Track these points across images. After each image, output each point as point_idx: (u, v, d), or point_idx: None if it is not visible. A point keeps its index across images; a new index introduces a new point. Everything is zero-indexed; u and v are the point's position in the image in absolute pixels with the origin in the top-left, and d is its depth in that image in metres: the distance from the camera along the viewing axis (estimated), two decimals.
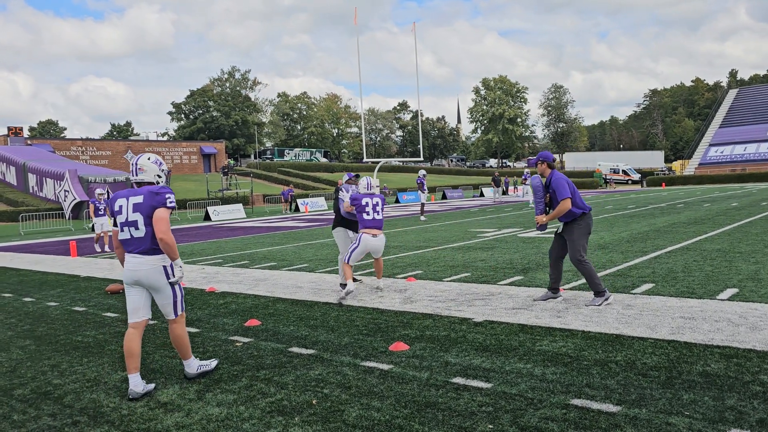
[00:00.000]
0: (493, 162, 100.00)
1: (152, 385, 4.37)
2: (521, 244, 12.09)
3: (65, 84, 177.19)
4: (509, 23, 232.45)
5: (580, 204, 6.39)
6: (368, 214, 7.48)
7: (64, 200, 37.83)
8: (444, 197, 45.02)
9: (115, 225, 4.43)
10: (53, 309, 7.92)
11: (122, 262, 4.49)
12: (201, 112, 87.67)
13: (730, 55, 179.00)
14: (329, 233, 16.46)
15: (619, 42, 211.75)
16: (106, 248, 16.23)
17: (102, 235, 16.35)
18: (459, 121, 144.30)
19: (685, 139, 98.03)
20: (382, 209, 7.62)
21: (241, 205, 35.61)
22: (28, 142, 58.07)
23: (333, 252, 12.24)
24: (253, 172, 60.25)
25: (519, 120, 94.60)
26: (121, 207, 4.35)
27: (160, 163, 4.53)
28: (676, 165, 68.12)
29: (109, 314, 7.35)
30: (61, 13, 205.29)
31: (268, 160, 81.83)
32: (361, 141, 70.97)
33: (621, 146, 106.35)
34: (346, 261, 7.46)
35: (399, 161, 78.68)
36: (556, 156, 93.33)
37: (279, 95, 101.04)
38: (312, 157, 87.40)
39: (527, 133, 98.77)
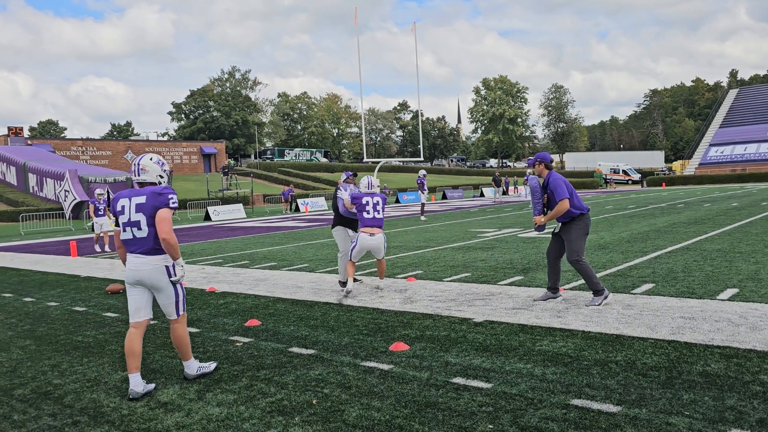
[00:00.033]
0: (493, 162, 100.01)
1: (152, 385, 4.37)
2: (521, 244, 12.09)
3: (65, 84, 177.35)
4: (509, 23, 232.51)
5: (578, 204, 6.40)
6: (368, 213, 7.52)
7: (65, 200, 37.84)
8: (444, 197, 45.03)
9: (117, 225, 4.44)
10: (53, 309, 7.92)
11: (124, 261, 4.50)
12: (201, 112, 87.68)
13: (730, 55, 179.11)
14: (329, 233, 16.46)
15: (619, 42, 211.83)
16: (106, 248, 16.23)
17: (102, 235, 16.36)
18: (459, 121, 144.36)
19: (685, 139, 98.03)
20: (383, 209, 7.63)
21: (241, 205, 35.61)
22: (29, 142, 58.09)
23: (333, 252, 12.24)
24: (254, 172, 60.26)
25: (519, 120, 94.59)
26: (123, 207, 4.36)
27: (163, 164, 4.54)
28: (677, 165, 68.11)
29: (109, 314, 7.36)
30: (61, 13, 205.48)
31: (268, 160, 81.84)
32: (362, 141, 71.02)
33: (621, 146, 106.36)
34: (349, 258, 7.55)
35: (399, 161, 78.68)
36: (557, 156, 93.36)
37: (279, 95, 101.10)
38: (312, 157, 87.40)
39: (527, 133, 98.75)
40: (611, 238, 12.33)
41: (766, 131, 63.69)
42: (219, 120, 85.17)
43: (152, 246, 4.31)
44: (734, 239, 11.18)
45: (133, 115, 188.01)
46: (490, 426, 3.44)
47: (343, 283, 8.16)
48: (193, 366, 4.60)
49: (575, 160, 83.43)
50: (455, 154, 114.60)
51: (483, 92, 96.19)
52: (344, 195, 7.96)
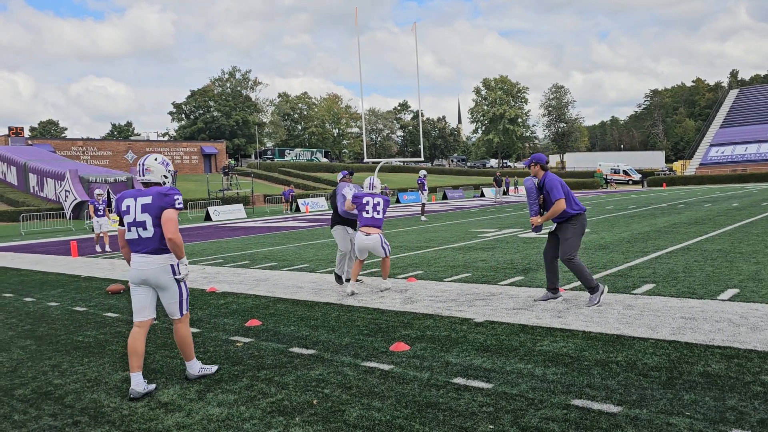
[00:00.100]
0: (493, 162, 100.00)
1: (153, 386, 4.38)
2: (522, 245, 12.09)
3: (66, 84, 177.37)
4: (510, 23, 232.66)
5: (574, 204, 6.41)
6: (368, 212, 7.55)
7: (65, 200, 37.85)
8: (445, 197, 45.02)
9: (121, 224, 4.46)
10: (54, 309, 7.93)
11: (128, 261, 4.53)
12: (202, 112, 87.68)
13: (730, 55, 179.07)
14: (330, 233, 16.46)
15: (619, 42, 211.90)
16: (107, 248, 16.24)
17: (102, 235, 16.37)
18: (460, 121, 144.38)
19: (685, 139, 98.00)
20: (384, 210, 7.63)
21: (241, 205, 35.63)
22: (29, 142, 58.12)
23: (334, 252, 12.24)
24: (254, 172, 60.26)
25: (520, 120, 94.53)
26: (128, 207, 4.39)
27: (167, 164, 4.57)
28: (677, 165, 68.08)
29: (109, 314, 7.36)
30: (62, 13, 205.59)
31: (268, 160, 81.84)
32: (362, 141, 71.02)
33: (622, 146, 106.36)
34: (355, 258, 7.66)
35: (400, 161, 78.68)
36: (557, 156, 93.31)
37: (279, 95, 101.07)
38: (313, 158, 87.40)
39: (528, 134, 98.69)
40: (612, 239, 12.33)
41: (767, 131, 63.66)
42: (219, 120, 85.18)
43: (157, 246, 4.34)
44: (735, 239, 11.17)
45: (133, 115, 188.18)
46: (491, 426, 3.43)
47: (339, 277, 8.35)
48: (195, 366, 4.61)
49: (576, 161, 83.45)
50: (456, 155, 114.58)
51: (483, 92, 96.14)
52: (348, 194, 8.00)
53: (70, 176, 37.95)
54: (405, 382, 4.24)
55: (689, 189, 42.94)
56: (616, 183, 59.45)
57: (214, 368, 4.74)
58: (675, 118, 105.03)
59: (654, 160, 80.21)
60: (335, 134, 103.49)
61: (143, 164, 4.48)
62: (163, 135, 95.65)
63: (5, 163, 50.40)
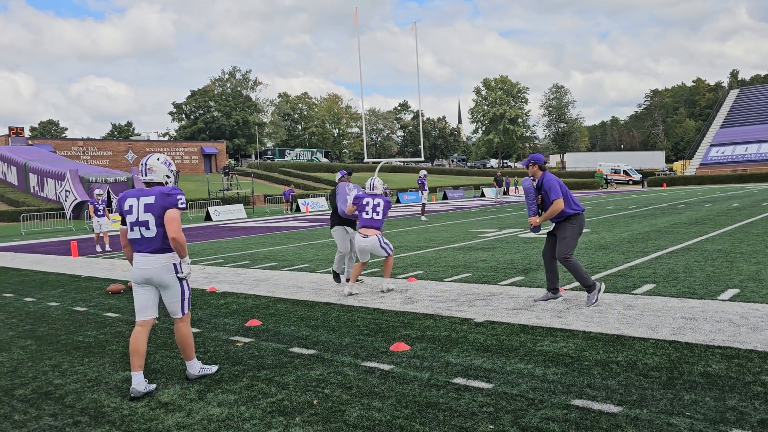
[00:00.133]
0: (493, 162, 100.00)
1: (153, 386, 4.38)
2: (522, 245, 12.09)
3: (66, 84, 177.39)
4: (510, 23, 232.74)
5: (573, 204, 6.41)
6: (367, 213, 7.55)
7: (65, 200, 37.85)
8: (445, 197, 45.02)
9: (123, 224, 4.47)
10: (54, 309, 7.93)
11: (131, 260, 4.54)
12: (202, 112, 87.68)
13: (730, 55, 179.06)
14: (330, 233, 16.48)
15: (619, 42, 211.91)
16: (107, 248, 16.24)
17: (101, 235, 16.38)
18: (460, 121, 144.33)
19: (686, 139, 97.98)
20: (384, 211, 7.61)
21: (241, 205, 35.63)
22: (29, 142, 58.13)
23: (334, 252, 12.24)
24: (254, 173, 60.26)
25: (520, 120, 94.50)
26: (131, 207, 4.40)
27: (170, 164, 4.58)
28: (677, 165, 68.07)
29: (110, 314, 7.36)
30: (62, 13, 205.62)
31: (269, 161, 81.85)
32: (362, 141, 71.01)
33: (622, 146, 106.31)
34: (354, 260, 7.64)
35: (400, 161, 78.66)
36: (557, 156, 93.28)
37: (280, 95, 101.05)
38: (313, 158, 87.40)
39: (528, 134, 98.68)
40: (612, 239, 12.33)
41: (767, 131, 63.64)
42: (220, 120, 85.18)
43: (160, 245, 4.36)
44: (735, 239, 11.17)
45: (133, 115, 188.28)
46: (491, 426, 3.43)
47: (337, 275, 8.40)
48: (195, 366, 4.61)
49: (576, 161, 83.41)
50: (456, 155, 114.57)
51: (483, 92, 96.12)
52: (350, 198, 8.06)
53: (71, 176, 37.96)
54: (405, 382, 4.24)
55: (689, 189, 42.94)
56: (617, 183, 59.44)
57: (214, 368, 4.74)
58: (675, 118, 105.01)
59: (654, 160, 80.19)
60: (335, 134, 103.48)
61: (146, 164, 4.49)
62: (164, 135, 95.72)
63: (6, 163, 50.41)
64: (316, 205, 38.14)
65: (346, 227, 8.32)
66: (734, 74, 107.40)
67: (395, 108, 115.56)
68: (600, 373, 4.22)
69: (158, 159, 4.52)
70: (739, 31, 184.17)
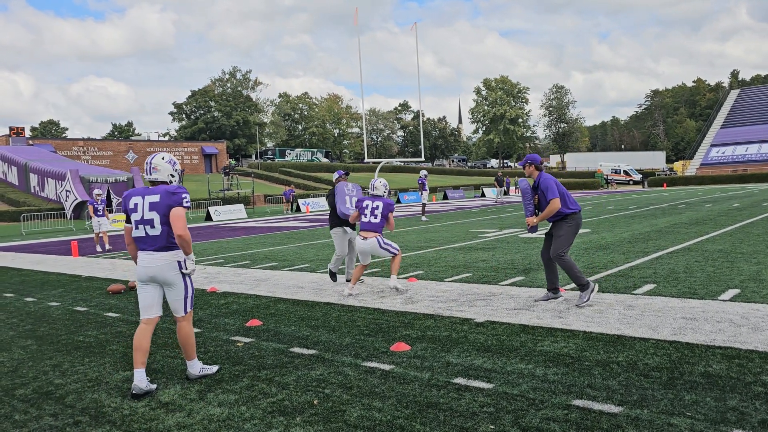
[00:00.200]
0: (494, 162, 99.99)
1: (154, 386, 4.38)
2: (522, 245, 12.09)
3: (66, 84, 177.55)
4: (510, 23, 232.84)
5: (569, 203, 6.41)
6: (365, 216, 7.55)
7: (66, 200, 37.86)
8: (445, 197, 45.02)
9: (128, 222, 4.48)
10: (55, 309, 7.93)
11: (135, 259, 4.56)
12: (202, 112, 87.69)
13: (731, 56, 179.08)
14: (330, 234, 16.48)
15: (620, 42, 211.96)
16: (107, 247, 16.25)
17: (102, 235, 16.38)
18: (460, 121, 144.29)
19: (686, 139, 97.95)
20: (383, 213, 7.57)
21: (242, 205, 35.64)
22: (30, 142, 58.15)
23: (334, 252, 12.23)
24: (255, 173, 60.28)
25: (520, 120, 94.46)
26: (136, 205, 4.42)
27: (174, 163, 4.60)
28: (678, 165, 68.05)
29: (110, 314, 7.36)
30: (62, 14, 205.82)
31: (269, 161, 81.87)
32: (363, 141, 70.98)
33: (622, 147, 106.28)
34: (355, 262, 7.65)
35: (400, 161, 78.66)
36: (558, 156, 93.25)
37: (280, 95, 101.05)
38: (313, 158, 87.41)
39: (528, 134, 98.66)
40: (612, 239, 12.32)
41: (767, 132, 63.65)
42: (220, 120, 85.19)
43: (165, 243, 4.38)
44: (736, 240, 11.17)
45: (134, 115, 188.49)
46: (492, 426, 3.43)
47: (333, 274, 8.47)
48: (196, 366, 4.61)
49: (576, 161, 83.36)
50: (456, 155, 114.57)
51: (484, 92, 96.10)
52: (348, 199, 8.12)
53: (71, 176, 37.96)
54: (406, 383, 4.24)
55: (690, 189, 42.92)
56: (617, 183, 59.42)
57: (215, 368, 4.74)
58: (676, 118, 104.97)
59: (655, 160, 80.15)
60: (336, 134, 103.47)
61: (150, 163, 4.52)
62: (164, 135, 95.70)
63: (6, 163, 50.43)
64: (316, 205, 38.14)
65: (345, 227, 8.34)
66: (734, 74, 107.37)
67: (395, 108, 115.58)
68: (600, 374, 4.22)
69: (163, 158, 4.55)
70: (740, 31, 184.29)
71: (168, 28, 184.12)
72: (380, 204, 7.61)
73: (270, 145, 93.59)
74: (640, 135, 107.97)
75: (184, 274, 4.49)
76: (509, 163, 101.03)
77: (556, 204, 6.30)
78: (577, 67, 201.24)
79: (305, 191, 52.77)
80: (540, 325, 5.62)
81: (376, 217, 7.53)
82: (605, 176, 58.89)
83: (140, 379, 4.27)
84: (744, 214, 16.94)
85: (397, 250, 7.66)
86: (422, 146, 38.50)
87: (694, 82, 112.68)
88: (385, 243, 7.63)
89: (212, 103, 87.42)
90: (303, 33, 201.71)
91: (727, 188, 40.56)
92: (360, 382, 4.31)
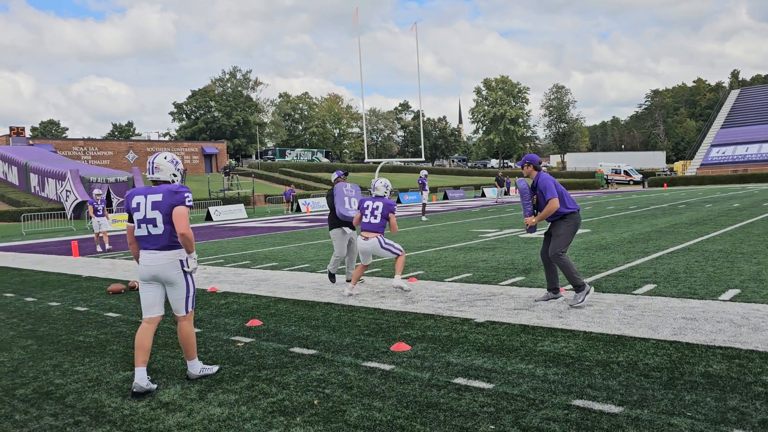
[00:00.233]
0: (494, 162, 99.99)
1: (155, 385, 4.38)
2: (523, 245, 12.09)
3: (66, 84, 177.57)
4: (510, 23, 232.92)
5: (568, 203, 6.42)
6: (366, 216, 7.57)
7: (66, 200, 37.86)
8: (445, 197, 45.02)
9: (130, 221, 4.49)
10: (55, 309, 7.93)
11: (137, 258, 4.57)
12: (202, 112, 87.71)
13: (731, 56, 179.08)
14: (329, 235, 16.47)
15: (620, 42, 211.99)
16: (107, 247, 16.25)
17: (102, 234, 16.39)
18: (460, 121, 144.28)
19: (686, 139, 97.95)
20: (383, 213, 7.56)
21: (242, 205, 35.64)
22: (30, 142, 58.16)
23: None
24: (255, 173, 60.28)
25: (520, 120, 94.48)
26: (138, 204, 4.44)
27: (176, 162, 4.61)
28: (678, 165, 68.05)
29: (110, 314, 7.36)
30: (63, 14, 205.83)
31: (269, 161, 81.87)
32: (363, 141, 70.98)
33: (622, 147, 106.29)
34: (355, 262, 7.65)
35: (400, 161, 78.66)
36: (558, 156, 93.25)
37: (280, 95, 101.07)
38: (313, 158, 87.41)
39: (529, 134, 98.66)
40: (613, 239, 12.32)
41: None
42: (220, 120, 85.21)
43: (167, 242, 4.40)
44: (736, 240, 11.16)
45: (134, 115, 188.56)
46: (492, 426, 3.43)
47: (332, 275, 8.48)
48: (196, 366, 4.62)
49: (576, 161, 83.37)
50: (456, 155, 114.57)
51: (484, 92, 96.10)
52: (348, 200, 8.15)
53: (71, 176, 37.96)
54: (406, 383, 4.24)
55: (690, 189, 42.91)
56: (617, 183, 59.43)
57: (215, 368, 4.74)
58: (676, 118, 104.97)
59: (655, 160, 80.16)
60: (336, 134, 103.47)
61: (153, 162, 4.53)
62: (164, 135, 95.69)
63: (6, 163, 50.44)
64: (316, 205, 38.14)
65: (344, 228, 8.35)
66: (735, 74, 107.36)
67: (396, 108, 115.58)
68: (601, 374, 4.22)
69: (165, 158, 4.56)
70: (740, 31, 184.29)
71: (168, 28, 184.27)
72: (380, 204, 7.61)
73: (270, 145, 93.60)
74: (640, 135, 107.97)
75: (186, 273, 4.50)
76: (509, 163, 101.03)
77: (554, 204, 6.31)
78: (577, 67, 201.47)
79: (305, 191, 52.77)
80: (540, 325, 5.62)
81: (376, 218, 7.53)
82: (605, 176, 58.89)
83: (141, 378, 4.27)
84: (744, 215, 16.94)
85: (400, 251, 7.61)
86: (422, 146, 38.50)
87: (694, 82, 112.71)
88: (386, 243, 7.62)
89: (212, 103, 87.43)
90: (303, 33, 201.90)
91: (727, 188, 40.56)
92: (360, 382, 4.31)
